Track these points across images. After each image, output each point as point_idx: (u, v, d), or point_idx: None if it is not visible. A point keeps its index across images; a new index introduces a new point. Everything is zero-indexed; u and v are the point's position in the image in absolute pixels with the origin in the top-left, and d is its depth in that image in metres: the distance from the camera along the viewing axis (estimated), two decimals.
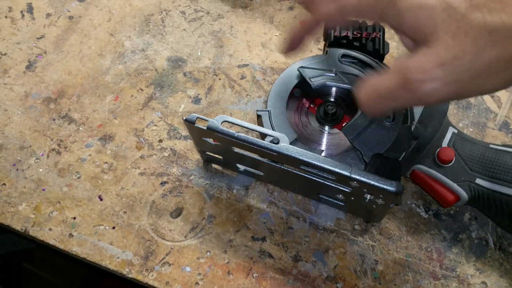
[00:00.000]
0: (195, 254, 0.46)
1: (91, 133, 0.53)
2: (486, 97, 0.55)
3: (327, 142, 0.45)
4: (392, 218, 0.48)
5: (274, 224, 0.48)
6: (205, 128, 0.40)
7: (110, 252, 0.46)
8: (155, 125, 0.53)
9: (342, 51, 0.45)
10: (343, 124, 0.42)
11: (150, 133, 0.53)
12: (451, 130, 0.45)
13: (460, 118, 0.54)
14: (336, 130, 0.45)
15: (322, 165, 0.38)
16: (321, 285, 0.44)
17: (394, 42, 0.59)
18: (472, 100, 0.55)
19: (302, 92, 0.47)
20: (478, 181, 0.43)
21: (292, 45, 0.40)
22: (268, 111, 0.44)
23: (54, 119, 0.54)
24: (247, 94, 0.56)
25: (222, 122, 0.41)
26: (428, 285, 0.45)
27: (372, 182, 0.37)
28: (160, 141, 0.52)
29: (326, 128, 0.46)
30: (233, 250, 0.46)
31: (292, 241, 0.47)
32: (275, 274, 0.45)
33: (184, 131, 0.53)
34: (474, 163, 0.43)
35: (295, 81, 0.45)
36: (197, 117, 0.41)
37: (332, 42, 0.46)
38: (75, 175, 0.50)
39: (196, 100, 0.55)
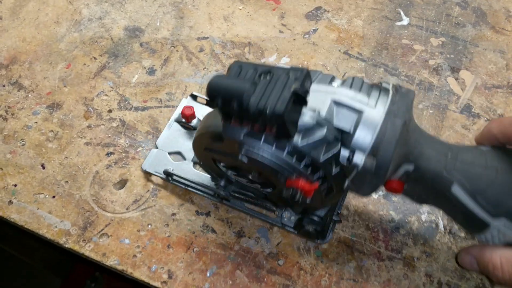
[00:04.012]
0: (135, 227, 0.45)
1: (40, 101, 0.51)
2: (450, 79, 0.54)
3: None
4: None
5: None
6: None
7: (48, 221, 0.45)
8: (106, 95, 0.52)
9: None
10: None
11: (99, 102, 0.51)
12: None
13: (420, 100, 0.52)
14: None
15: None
16: (262, 261, 0.43)
17: None
18: (435, 81, 0.54)
19: None
20: None
21: None
22: None
23: (4, 85, 0.52)
24: (204, 67, 0.54)
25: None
26: (372, 266, 0.44)
27: None
28: (110, 111, 0.51)
29: None
30: (176, 224, 0.45)
31: (237, 216, 0.46)
32: (216, 249, 0.44)
33: (136, 102, 0.51)
34: None
35: None
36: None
37: None
38: (20, 142, 0.49)
39: (151, 71, 0.54)
